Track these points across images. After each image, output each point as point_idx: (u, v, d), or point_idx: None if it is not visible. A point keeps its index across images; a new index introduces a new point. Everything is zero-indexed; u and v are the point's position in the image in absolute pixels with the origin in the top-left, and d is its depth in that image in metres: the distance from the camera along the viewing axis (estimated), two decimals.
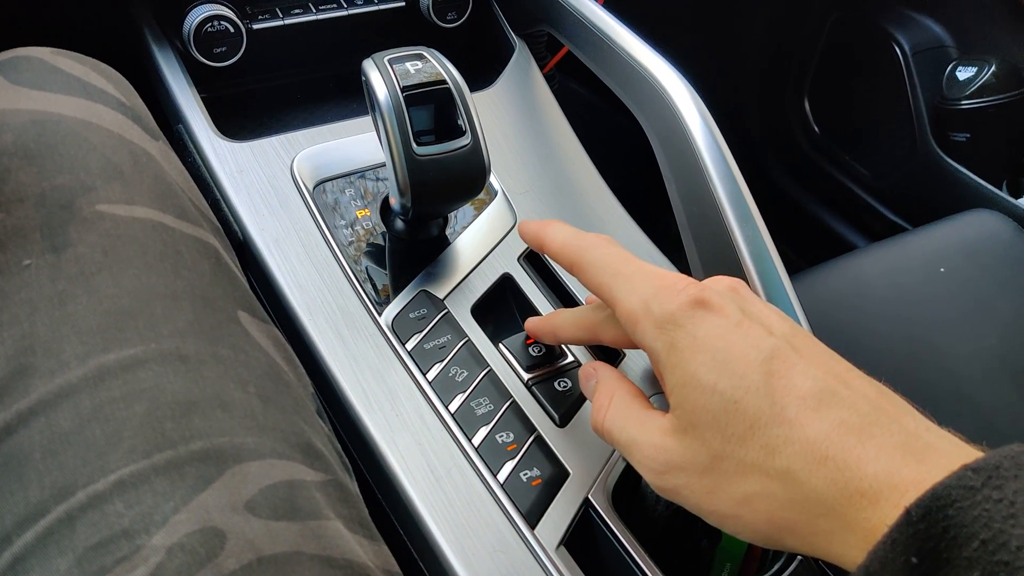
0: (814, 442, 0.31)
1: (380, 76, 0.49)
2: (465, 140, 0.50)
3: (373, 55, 0.50)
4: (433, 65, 0.50)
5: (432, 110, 0.50)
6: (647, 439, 0.36)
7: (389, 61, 0.50)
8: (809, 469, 0.30)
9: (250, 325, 0.40)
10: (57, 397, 0.34)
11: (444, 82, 0.50)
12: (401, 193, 0.50)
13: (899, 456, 0.30)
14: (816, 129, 1.40)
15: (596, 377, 0.42)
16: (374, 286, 0.53)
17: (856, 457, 0.30)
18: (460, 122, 0.50)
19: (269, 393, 0.38)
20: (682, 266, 0.59)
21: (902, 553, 0.26)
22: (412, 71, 0.49)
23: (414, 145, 0.48)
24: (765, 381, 0.32)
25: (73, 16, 0.62)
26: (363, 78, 0.50)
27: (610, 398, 0.39)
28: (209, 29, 0.59)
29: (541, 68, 0.74)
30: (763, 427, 0.32)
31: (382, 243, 0.56)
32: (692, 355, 0.34)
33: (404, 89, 0.48)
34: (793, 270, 0.53)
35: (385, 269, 0.55)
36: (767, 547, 0.34)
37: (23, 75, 0.42)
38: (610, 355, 0.53)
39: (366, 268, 0.54)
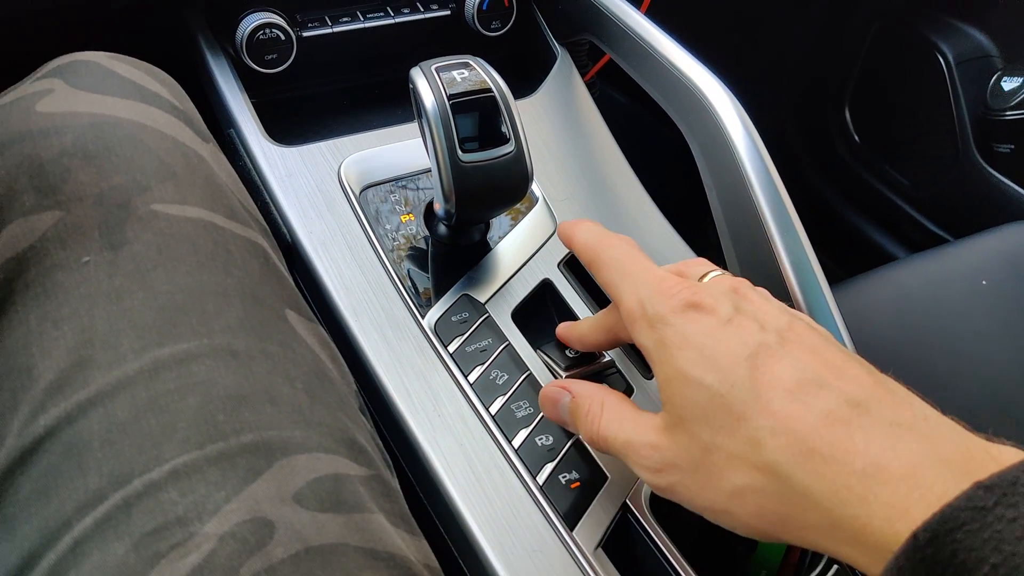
0: (799, 434, 0.30)
1: (427, 84, 0.50)
2: (509, 147, 0.51)
3: (420, 63, 0.51)
4: (479, 73, 0.51)
5: (477, 117, 0.51)
6: (642, 439, 0.36)
7: (436, 69, 0.51)
8: (795, 462, 0.30)
9: (297, 323, 0.42)
10: (115, 389, 0.35)
11: (490, 90, 0.51)
12: (446, 198, 0.51)
13: (890, 449, 0.29)
14: (856, 138, 1.39)
15: (571, 393, 0.42)
16: (417, 289, 0.54)
17: (844, 451, 0.29)
18: (504, 130, 0.51)
19: (315, 389, 0.39)
20: None
21: None
22: (458, 79, 0.51)
23: (459, 152, 0.49)
24: (750, 375, 0.32)
25: (130, 24, 0.64)
26: (410, 86, 0.51)
27: (600, 406, 0.40)
28: (261, 37, 0.61)
29: (583, 76, 0.74)
30: (749, 420, 0.31)
31: (425, 247, 0.57)
32: (679, 351, 0.34)
33: (451, 97, 0.49)
34: (832, 280, 0.53)
35: (428, 273, 0.56)
36: (763, 540, 0.34)
37: (82, 79, 0.44)
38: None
39: (409, 271, 0.55)
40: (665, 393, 0.35)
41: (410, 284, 0.54)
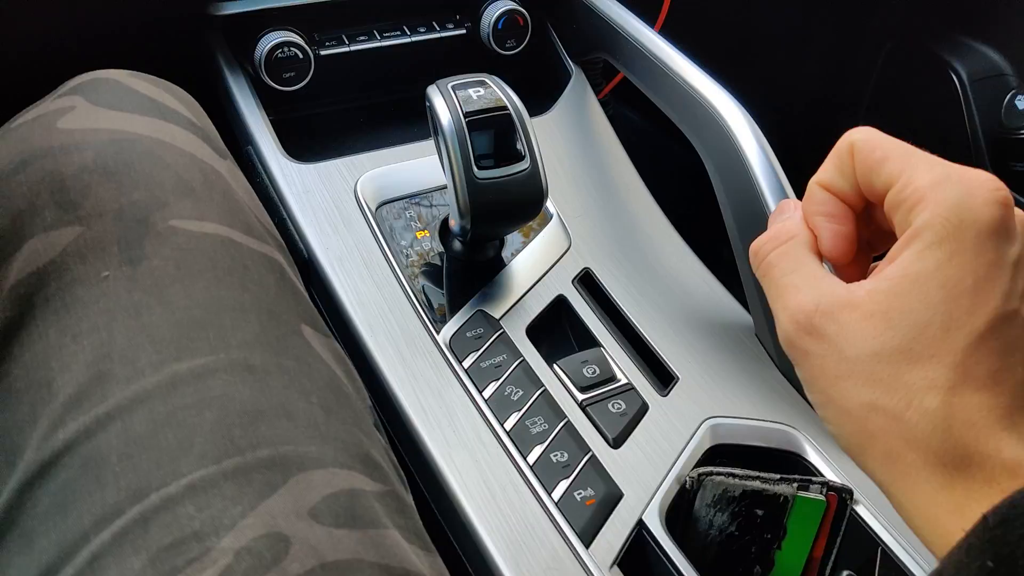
0: (968, 411, 0.28)
1: (444, 102, 0.51)
2: (524, 165, 0.51)
3: (437, 82, 0.52)
4: (495, 91, 0.52)
5: (493, 135, 0.51)
6: (813, 293, 0.31)
7: (452, 88, 0.51)
8: (944, 427, 0.27)
9: (313, 339, 0.42)
10: (133, 403, 0.35)
11: (505, 108, 0.51)
12: (461, 215, 0.51)
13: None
14: None
15: (788, 212, 0.35)
16: (432, 305, 0.55)
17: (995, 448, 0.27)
18: (520, 147, 0.51)
19: (330, 404, 0.39)
20: (736, 292, 0.59)
21: (977, 558, 0.25)
22: (475, 97, 0.51)
23: (475, 169, 0.50)
24: (987, 333, 0.28)
25: (150, 43, 0.65)
26: (427, 103, 0.52)
27: (790, 237, 0.33)
28: (279, 55, 0.62)
29: (597, 94, 0.75)
30: (942, 368, 0.28)
31: (440, 263, 0.58)
32: (949, 262, 0.29)
33: (467, 115, 0.50)
34: None
35: (443, 288, 0.56)
36: (847, 453, 0.31)
37: (102, 96, 0.44)
38: (664, 378, 0.53)
39: (424, 287, 0.56)
40: (892, 282, 0.29)
41: (425, 300, 0.55)
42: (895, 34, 1.30)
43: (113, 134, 0.42)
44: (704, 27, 1.06)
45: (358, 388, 0.44)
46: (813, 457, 0.49)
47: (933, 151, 0.33)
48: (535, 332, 0.54)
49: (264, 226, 0.46)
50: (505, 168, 0.51)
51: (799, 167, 0.58)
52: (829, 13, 1.31)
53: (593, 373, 0.51)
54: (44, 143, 0.41)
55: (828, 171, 0.34)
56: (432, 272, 0.57)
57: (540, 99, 0.73)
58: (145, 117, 0.43)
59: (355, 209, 0.58)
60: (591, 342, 0.54)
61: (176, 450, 0.35)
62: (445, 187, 0.59)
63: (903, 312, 0.29)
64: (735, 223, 0.56)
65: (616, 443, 0.48)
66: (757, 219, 0.53)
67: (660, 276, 0.59)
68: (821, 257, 0.33)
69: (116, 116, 0.43)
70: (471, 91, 0.51)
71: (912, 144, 0.35)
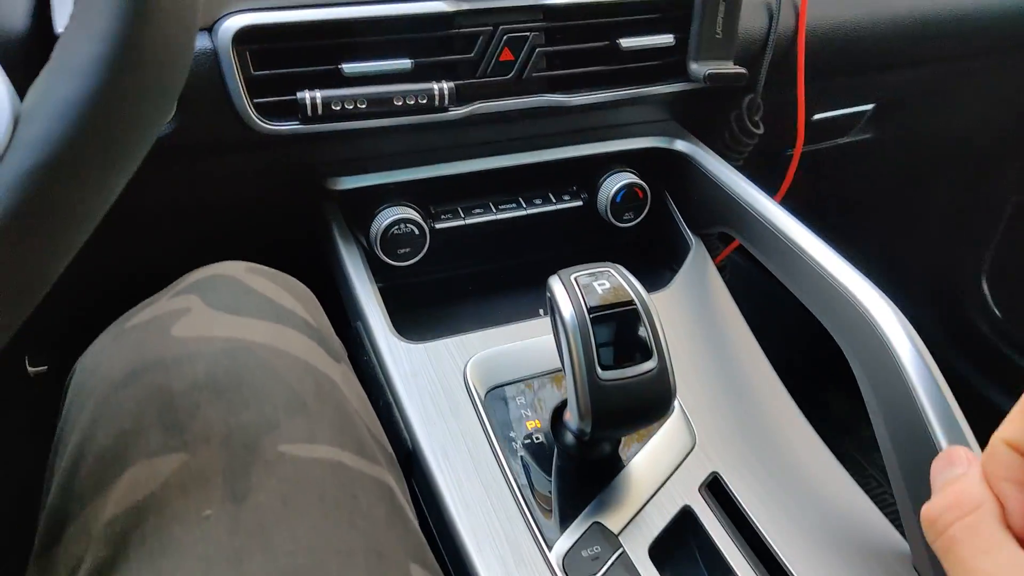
0: None
1: (566, 294, 0.47)
2: (652, 364, 0.47)
3: (559, 272, 0.49)
4: (620, 283, 0.48)
5: (618, 330, 0.47)
6: None
7: (575, 279, 0.48)
8: None
9: None
10: None
11: (632, 303, 0.47)
12: (581, 416, 0.47)
13: None
14: (998, 313, 1.30)
15: (960, 467, 0.30)
16: (541, 506, 0.50)
17: None
18: (647, 344, 0.47)
19: None
20: (889, 511, 0.52)
21: None
22: (598, 289, 0.48)
23: (599, 369, 0.46)
24: None
25: (267, 215, 0.66)
26: (548, 295, 0.49)
27: (976, 506, 0.28)
28: (396, 232, 0.61)
29: (713, 258, 0.71)
30: None
31: (551, 457, 0.53)
32: None
33: (591, 310, 0.46)
34: None
35: (553, 487, 0.51)
36: None
37: (219, 297, 0.43)
38: None
39: (533, 484, 0.51)
40: None
41: (534, 502, 0.50)
42: (1021, 189, 1.24)
43: (227, 343, 0.40)
44: (818, 194, 1.03)
45: None
46: None
47: None
48: (658, 552, 0.48)
49: (376, 439, 0.43)
50: (631, 368, 0.47)
51: (923, 331, 0.52)
52: (949, 171, 1.26)
53: None
54: (156, 354, 0.39)
55: (1018, 426, 0.28)
56: (542, 467, 0.52)
57: (657, 270, 0.70)
58: (261, 321, 0.42)
59: (464, 395, 0.55)
60: (723, 567, 0.48)
61: None
62: (559, 371, 0.55)
63: None
64: (888, 435, 0.49)
65: None
66: (917, 436, 0.47)
67: (798, 485, 0.53)
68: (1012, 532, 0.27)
69: (232, 321, 0.41)
70: (594, 283, 0.48)
71: None
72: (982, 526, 0.28)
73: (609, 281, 0.49)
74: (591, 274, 0.49)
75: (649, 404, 0.48)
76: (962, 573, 0.27)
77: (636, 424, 0.49)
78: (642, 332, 0.47)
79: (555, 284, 0.49)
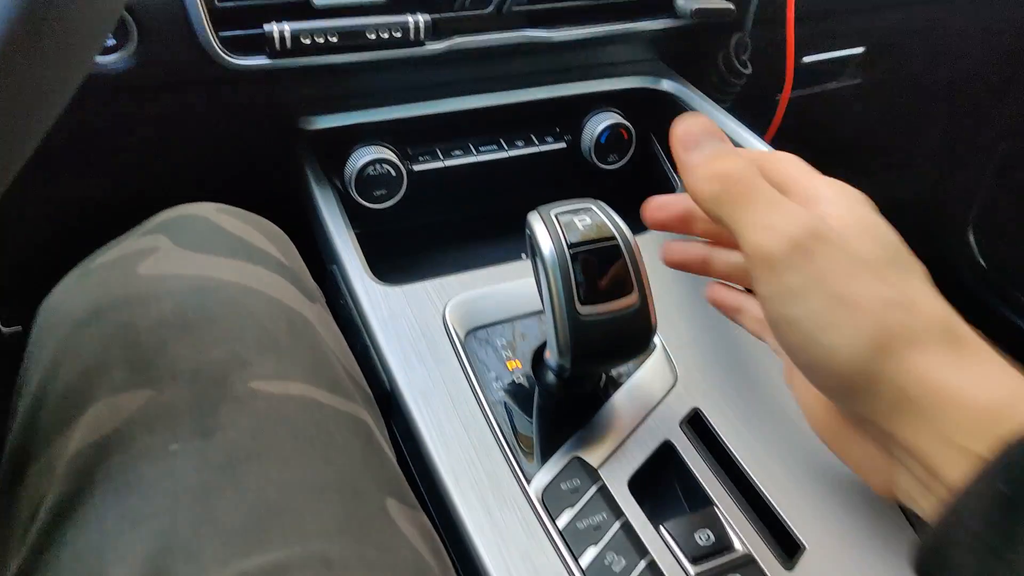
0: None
1: (546, 230, 0.46)
2: (632, 299, 0.46)
3: (539, 208, 0.48)
4: (601, 219, 0.47)
5: (598, 266, 0.47)
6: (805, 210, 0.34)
7: (556, 215, 0.47)
8: (945, 318, 0.31)
9: (398, 515, 0.37)
10: None
11: (613, 238, 0.46)
12: (561, 353, 0.46)
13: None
14: (983, 263, 1.30)
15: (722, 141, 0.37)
16: (522, 446, 0.49)
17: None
18: (628, 280, 0.46)
19: None
20: None
21: (991, 484, 0.26)
22: (579, 225, 0.47)
23: (578, 304, 0.45)
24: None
25: (238, 156, 0.64)
26: (527, 231, 0.48)
27: (756, 174, 0.35)
28: (371, 172, 0.59)
29: None
30: (925, 277, 0.33)
31: (532, 397, 0.53)
32: None
33: (571, 245, 0.45)
34: None
35: (534, 426, 0.51)
36: (856, 366, 0.31)
37: (188, 236, 0.42)
38: (789, 548, 0.46)
39: (515, 425, 0.51)
40: None
41: (515, 441, 0.49)
42: (1012, 134, 1.23)
43: (196, 280, 0.39)
44: (809, 135, 1.02)
45: (446, 569, 0.38)
46: None
47: None
48: (638, 485, 0.48)
49: (352, 378, 0.42)
50: (611, 303, 0.46)
51: None
52: (938, 117, 1.25)
53: (707, 540, 0.45)
54: (121, 292, 0.38)
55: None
56: (523, 406, 0.52)
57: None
58: (232, 259, 0.41)
59: (443, 337, 0.54)
60: (703, 499, 0.48)
61: None
62: (540, 312, 0.54)
63: (883, 230, 0.33)
64: None
65: None
66: None
67: (780, 421, 0.53)
68: None
69: (201, 259, 0.40)
70: (575, 218, 0.47)
71: None
72: (765, 186, 0.34)
73: (590, 217, 0.47)
74: (572, 210, 0.48)
75: (629, 339, 0.47)
76: (751, 222, 0.33)
77: (616, 359, 0.49)
78: (623, 268, 0.47)
79: (535, 220, 0.48)
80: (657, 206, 0.45)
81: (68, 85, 0.28)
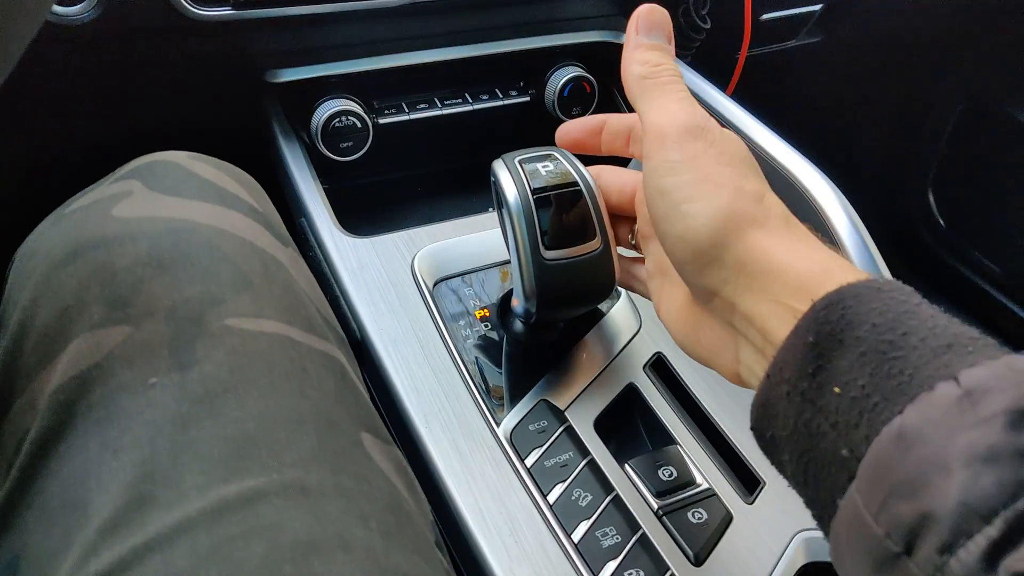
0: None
1: (510, 177, 0.47)
2: (595, 244, 0.47)
3: (503, 155, 0.49)
4: (564, 166, 0.48)
5: (561, 212, 0.48)
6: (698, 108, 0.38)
7: (519, 162, 0.48)
8: (784, 210, 0.35)
9: (373, 448, 0.38)
10: (175, 532, 0.31)
11: (575, 184, 0.47)
12: (526, 297, 0.47)
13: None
14: (942, 223, 1.33)
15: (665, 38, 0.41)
16: (491, 392, 0.50)
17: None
18: (590, 225, 0.47)
19: (390, 528, 0.35)
20: None
21: (802, 336, 0.29)
22: (543, 172, 0.47)
23: (543, 249, 0.46)
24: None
25: (206, 110, 0.64)
26: (492, 179, 0.48)
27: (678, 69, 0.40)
28: (337, 124, 0.60)
29: None
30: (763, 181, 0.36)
31: (500, 345, 0.54)
32: None
33: (534, 191, 0.46)
34: None
35: (503, 373, 0.52)
36: (711, 233, 0.34)
37: (161, 180, 0.42)
38: (749, 483, 0.48)
39: (483, 372, 0.52)
40: None
41: (484, 386, 0.51)
42: (968, 96, 1.25)
43: (170, 222, 0.39)
44: (769, 91, 1.03)
45: (419, 501, 0.39)
46: None
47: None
48: (604, 425, 0.49)
49: (325, 319, 0.42)
50: (575, 247, 0.47)
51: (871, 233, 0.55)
52: (897, 76, 1.27)
53: (670, 476, 0.46)
54: (97, 232, 0.38)
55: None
56: (492, 355, 0.53)
57: (606, 163, 0.69)
58: (205, 203, 0.41)
59: (412, 287, 0.55)
60: (666, 438, 0.50)
61: None
62: (507, 263, 0.55)
63: (750, 153, 0.37)
64: None
65: (698, 560, 0.43)
66: None
67: None
68: None
69: (174, 203, 0.40)
70: (539, 165, 0.48)
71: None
72: (681, 84, 0.39)
73: (553, 164, 0.48)
74: (535, 157, 0.49)
75: (593, 283, 0.48)
76: (658, 106, 0.37)
77: (581, 304, 0.50)
78: (586, 212, 0.48)
79: (499, 167, 0.48)
80: (570, 125, 0.49)
81: (21, 37, 0.28)
